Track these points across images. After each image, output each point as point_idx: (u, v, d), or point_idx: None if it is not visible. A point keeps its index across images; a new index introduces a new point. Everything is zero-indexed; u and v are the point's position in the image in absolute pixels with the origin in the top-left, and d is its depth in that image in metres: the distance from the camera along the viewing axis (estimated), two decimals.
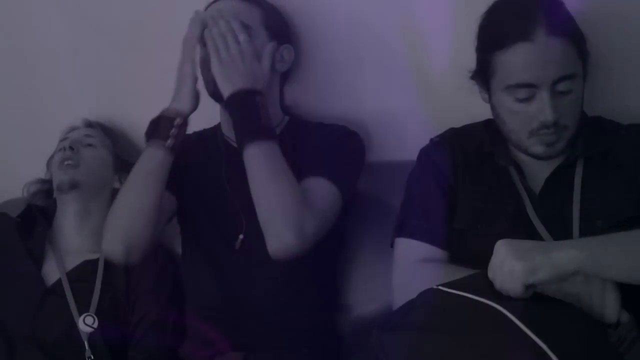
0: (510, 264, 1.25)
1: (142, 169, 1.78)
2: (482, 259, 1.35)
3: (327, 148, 1.86)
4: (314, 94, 2.07)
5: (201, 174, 1.90)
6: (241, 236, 1.82)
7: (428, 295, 1.32)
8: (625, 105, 1.80)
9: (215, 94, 1.82)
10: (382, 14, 1.97)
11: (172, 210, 1.88)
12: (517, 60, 1.45)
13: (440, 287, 1.31)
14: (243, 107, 1.74)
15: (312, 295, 1.85)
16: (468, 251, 1.55)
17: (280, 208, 1.66)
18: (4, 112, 2.34)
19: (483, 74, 1.54)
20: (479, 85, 1.59)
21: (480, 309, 1.23)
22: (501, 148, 1.60)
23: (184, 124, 1.79)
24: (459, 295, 1.28)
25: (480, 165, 1.61)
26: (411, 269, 1.60)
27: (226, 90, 1.75)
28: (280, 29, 1.90)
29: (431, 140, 1.71)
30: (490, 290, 1.27)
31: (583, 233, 1.49)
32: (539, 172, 1.58)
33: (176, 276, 1.98)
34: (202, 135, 1.98)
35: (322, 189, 1.76)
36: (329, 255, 1.90)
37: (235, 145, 1.88)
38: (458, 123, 1.76)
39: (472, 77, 1.60)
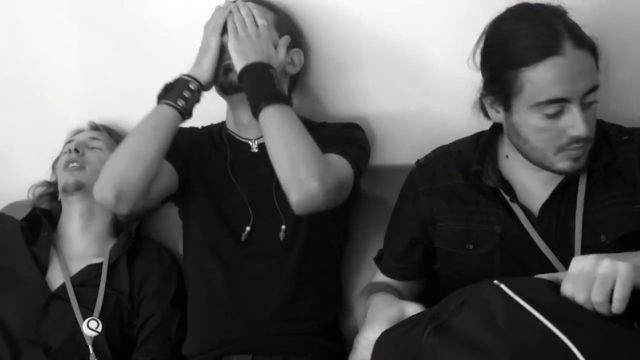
0: (612, 265, 1.18)
1: (149, 122, 1.78)
2: (469, 278, 1.35)
3: (335, 134, 1.88)
4: (318, 97, 2.08)
5: (208, 167, 1.92)
6: (248, 228, 1.83)
7: (485, 292, 1.23)
8: (628, 107, 1.80)
9: (224, 85, 1.85)
10: (387, 17, 1.97)
11: (171, 185, 1.88)
12: (549, 76, 1.39)
13: (503, 287, 1.22)
14: (257, 76, 1.76)
15: (317, 290, 1.86)
16: (455, 271, 1.55)
17: (303, 158, 1.65)
18: (9, 114, 2.35)
19: (502, 93, 1.47)
20: (493, 104, 1.52)
21: (547, 339, 1.12)
22: (489, 167, 1.57)
23: (199, 90, 1.80)
24: (522, 306, 1.17)
25: (467, 184, 1.59)
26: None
27: (240, 64, 1.78)
28: (292, 33, 1.92)
29: (417, 162, 1.70)
30: (559, 308, 1.18)
31: (586, 248, 1.47)
32: (540, 188, 1.55)
33: (180, 278, 1.99)
34: (210, 129, 2.00)
35: (336, 160, 1.77)
36: (332, 253, 1.93)
37: (239, 138, 1.91)
38: (460, 126, 1.76)
39: (484, 97, 1.53)
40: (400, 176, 1.80)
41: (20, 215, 2.09)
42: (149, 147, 1.73)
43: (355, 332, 1.69)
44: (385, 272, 1.73)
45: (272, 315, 1.81)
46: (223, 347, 1.80)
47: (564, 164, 1.46)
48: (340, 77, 2.05)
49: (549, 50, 1.39)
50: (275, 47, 1.85)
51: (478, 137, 1.65)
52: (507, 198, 1.54)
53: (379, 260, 1.76)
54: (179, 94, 1.77)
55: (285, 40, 1.88)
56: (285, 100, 1.75)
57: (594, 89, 1.42)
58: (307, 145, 1.69)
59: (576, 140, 1.42)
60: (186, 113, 1.78)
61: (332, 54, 2.03)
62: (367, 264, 1.92)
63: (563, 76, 1.39)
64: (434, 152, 1.69)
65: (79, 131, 2.14)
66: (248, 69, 1.76)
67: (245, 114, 1.88)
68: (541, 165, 1.49)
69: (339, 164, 1.75)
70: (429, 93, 1.98)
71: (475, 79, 1.58)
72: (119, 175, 1.72)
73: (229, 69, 1.83)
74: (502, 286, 1.22)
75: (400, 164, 1.93)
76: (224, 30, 1.83)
